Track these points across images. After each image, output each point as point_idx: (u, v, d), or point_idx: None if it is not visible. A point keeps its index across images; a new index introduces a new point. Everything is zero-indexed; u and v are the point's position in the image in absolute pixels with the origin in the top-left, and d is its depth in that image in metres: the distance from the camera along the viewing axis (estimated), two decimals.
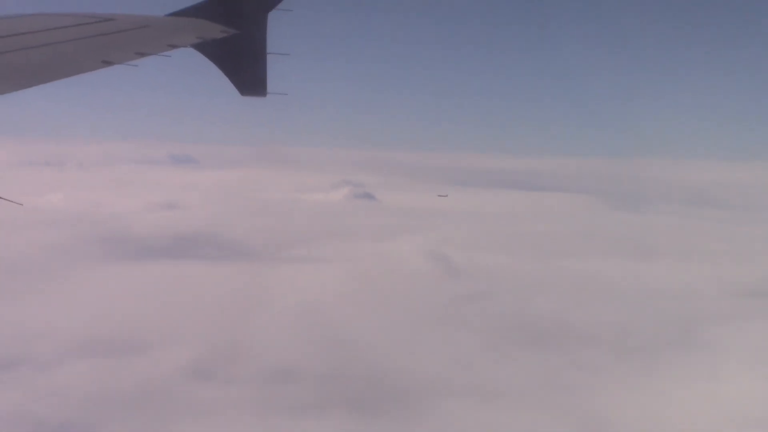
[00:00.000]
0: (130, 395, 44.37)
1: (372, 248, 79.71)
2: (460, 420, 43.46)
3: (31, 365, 47.11)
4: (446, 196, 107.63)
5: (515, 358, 51.99)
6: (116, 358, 48.77)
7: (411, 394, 46.20)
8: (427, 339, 55.47)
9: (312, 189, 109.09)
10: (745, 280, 69.54)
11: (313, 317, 58.07)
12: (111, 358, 48.74)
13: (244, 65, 8.74)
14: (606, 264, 76.12)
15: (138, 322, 55.02)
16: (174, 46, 7.71)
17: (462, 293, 66.40)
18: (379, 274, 70.71)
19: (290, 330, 55.27)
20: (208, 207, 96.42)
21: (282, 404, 44.19)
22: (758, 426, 41.12)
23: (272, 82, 8.83)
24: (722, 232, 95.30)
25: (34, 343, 50.15)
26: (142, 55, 7.04)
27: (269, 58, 8.72)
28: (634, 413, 43.98)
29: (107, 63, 6.65)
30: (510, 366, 50.82)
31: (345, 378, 47.67)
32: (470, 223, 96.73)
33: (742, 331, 55.49)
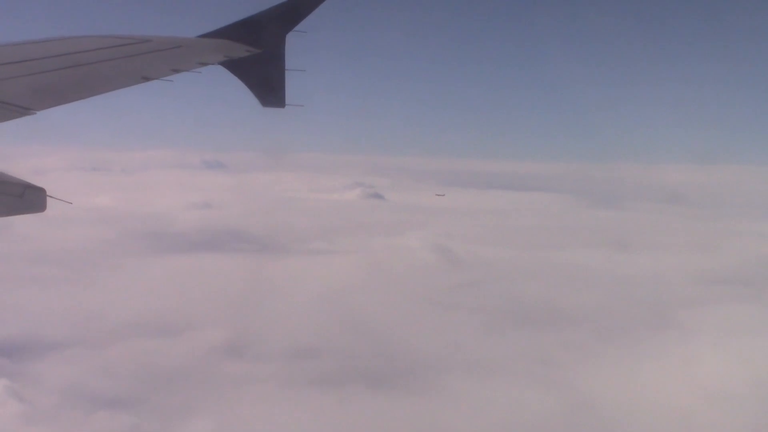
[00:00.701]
0: (175, 369, 44.59)
1: (382, 242, 79.81)
2: (461, 390, 43.47)
3: (88, 344, 47.39)
4: (443, 195, 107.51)
5: (508, 336, 52.06)
6: (162, 337, 48.93)
7: (418, 367, 46.21)
8: (433, 320, 55.54)
9: (328, 190, 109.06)
10: (710, 269, 69.42)
11: (332, 302, 58.14)
12: (157, 337, 48.93)
13: (265, 80, 8.73)
14: (587, 254, 76.11)
15: (180, 306, 55.26)
16: (204, 64, 7.77)
17: (462, 280, 66.54)
18: (389, 264, 70.83)
19: (312, 313, 55.34)
20: (237, 206, 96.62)
21: (304, 378, 44.15)
22: (723, 395, 40.88)
23: (290, 94, 8.84)
24: (690, 227, 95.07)
25: (90, 324, 50.47)
26: (176, 71, 7.09)
27: (287, 74, 8.70)
28: (612, 385, 43.91)
29: (146, 78, 6.71)
30: (503, 342, 50.87)
31: (360, 355, 47.67)
32: (468, 219, 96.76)
33: (708, 313, 55.42)
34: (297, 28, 8.67)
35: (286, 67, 8.73)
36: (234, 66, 8.52)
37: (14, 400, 40.63)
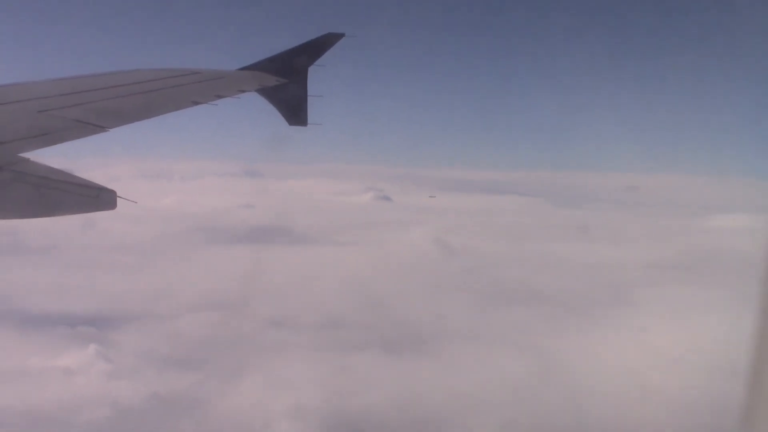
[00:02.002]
0: (229, 337, 44.63)
1: (391, 235, 79.69)
2: (456, 354, 43.36)
3: (159, 316, 47.53)
4: (434, 197, 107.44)
5: (495, 311, 51.85)
6: (217, 311, 49.04)
7: (424, 336, 46.09)
8: (435, 298, 55.37)
9: (345, 193, 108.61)
10: (657, 257, 68.97)
11: (353, 283, 58.08)
12: (213, 311, 49.01)
13: (291, 104, 8.72)
14: (555, 246, 75.73)
15: (230, 287, 55.30)
16: (242, 91, 7.78)
17: (457, 267, 66.44)
18: (398, 253, 70.73)
19: (338, 292, 55.27)
20: (273, 206, 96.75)
21: (332, 344, 44.17)
22: (669, 359, 40.46)
23: (311, 115, 8.83)
24: (640, 224, 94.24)
25: (159, 300, 50.63)
26: (219, 97, 7.10)
27: (309, 99, 8.72)
28: (578, 350, 43.75)
29: (196, 102, 6.72)
30: (491, 317, 50.68)
31: (377, 326, 47.56)
32: (459, 218, 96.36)
33: (655, 293, 55.10)
34: (317, 62, 8.69)
35: (309, 94, 8.75)
36: (266, 93, 8.53)
37: (102, 360, 40.89)
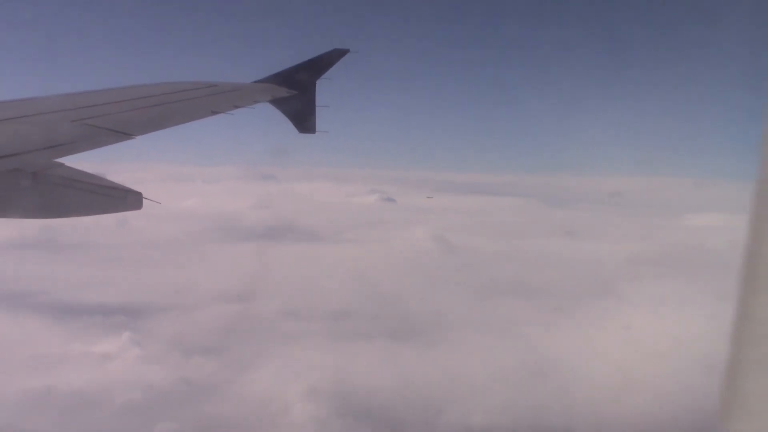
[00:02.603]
0: (248, 326, 44.54)
1: (396, 233, 79.55)
2: (458, 342, 43.26)
3: (185, 307, 47.52)
4: (432, 197, 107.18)
5: (491, 302, 51.72)
6: (237, 303, 48.88)
7: (426, 325, 46.02)
8: (436, 290, 55.25)
9: (352, 195, 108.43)
10: (640, 253, 68.42)
11: (361, 277, 57.93)
12: (234, 303, 48.89)
13: (300, 113, 8.71)
14: (547, 243, 75.36)
15: (249, 280, 55.35)
16: (256, 102, 7.78)
17: (457, 262, 66.23)
18: (402, 249, 70.61)
19: (347, 285, 55.18)
20: (287, 207, 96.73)
21: (342, 333, 44.02)
22: (651, 348, 40.23)
23: (319, 124, 8.82)
24: (625, 223, 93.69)
25: (185, 292, 50.60)
26: (236, 107, 7.11)
27: (317, 109, 8.71)
28: (565, 338, 43.56)
29: (215, 112, 6.72)
30: (487, 307, 50.57)
31: (383, 315, 47.48)
32: (457, 217, 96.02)
33: (639, 286, 54.79)
34: (324, 76, 8.68)
35: (316, 104, 8.74)
36: (278, 103, 8.52)
37: (134, 346, 41.00)
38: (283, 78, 8.57)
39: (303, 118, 8.68)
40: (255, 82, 8.56)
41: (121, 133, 5.48)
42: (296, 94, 8.51)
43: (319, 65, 8.60)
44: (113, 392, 35.64)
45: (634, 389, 34.98)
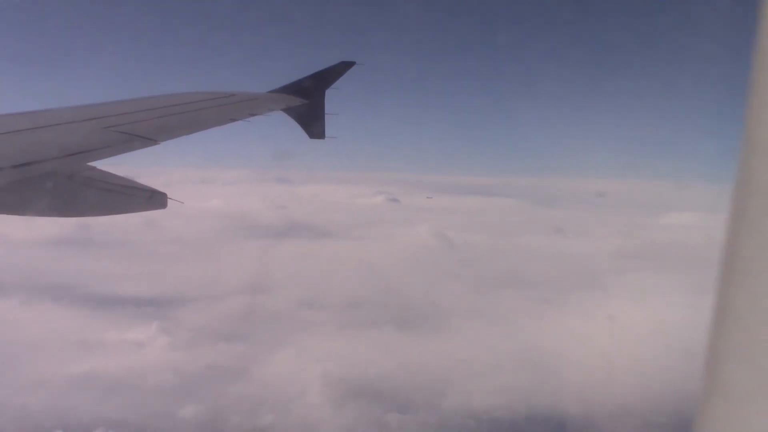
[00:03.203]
0: (267, 316, 44.59)
1: (399, 231, 79.32)
2: (457, 329, 43.18)
3: (209, 298, 47.48)
4: (431, 198, 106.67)
5: (487, 294, 51.63)
6: (256, 295, 48.78)
7: (429, 314, 45.93)
8: (438, 283, 55.09)
9: (359, 196, 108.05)
10: (624, 248, 67.93)
11: (369, 271, 57.78)
12: (254, 295, 48.81)
13: (311, 121, 8.68)
14: (536, 239, 74.93)
15: (267, 273, 55.41)
16: (271, 110, 7.76)
17: (456, 257, 66.05)
18: (407, 245, 70.31)
19: (355, 277, 55.05)
20: (301, 207, 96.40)
21: (352, 322, 44.02)
22: (634, 336, 39.94)
23: (328, 130, 8.79)
24: (609, 221, 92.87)
25: (208, 285, 50.62)
26: (252, 115, 7.09)
27: (326, 117, 8.68)
28: (554, 327, 43.40)
29: (232, 120, 6.71)
30: (484, 299, 50.47)
31: (390, 305, 47.36)
32: (455, 216, 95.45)
33: (623, 279, 54.45)
34: (333, 86, 8.65)
35: (325, 112, 8.70)
36: (291, 111, 8.49)
37: (163, 335, 41.10)
38: (295, 88, 8.54)
39: (313, 125, 8.66)
40: (269, 92, 8.52)
41: (147, 139, 5.48)
42: (307, 103, 8.49)
43: (327, 76, 8.58)
44: (145, 376, 35.76)
45: (619, 373, 34.77)
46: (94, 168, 5.11)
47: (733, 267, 0.65)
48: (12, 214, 4.83)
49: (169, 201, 5.38)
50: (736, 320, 0.64)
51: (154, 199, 5.30)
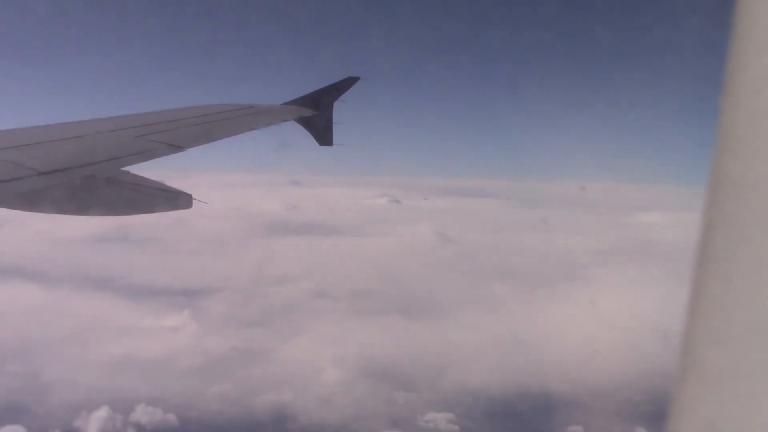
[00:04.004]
0: (285, 305, 44.47)
1: (403, 229, 78.94)
2: (455, 316, 43.10)
3: (232, 288, 47.53)
4: (428, 199, 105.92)
5: (481, 284, 51.49)
6: (274, 286, 48.63)
7: (430, 303, 45.85)
8: (438, 274, 54.95)
9: (364, 198, 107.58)
10: (602, 244, 67.48)
11: (375, 263, 57.71)
12: (272, 286, 48.64)
13: (320, 129, 8.68)
14: (522, 236, 74.50)
15: (284, 267, 55.39)
16: (285, 120, 7.78)
17: (452, 251, 65.76)
18: (409, 242, 70.16)
19: (364, 269, 55.03)
20: (312, 208, 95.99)
21: (361, 310, 43.98)
22: (612, 322, 39.64)
23: (336, 138, 8.78)
24: (587, 220, 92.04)
25: (232, 277, 50.45)
26: (268, 124, 7.11)
27: (334, 126, 8.68)
28: (540, 312, 43.22)
29: (251, 129, 6.73)
30: (478, 289, 50.30)
31: (395, 295, 47.35)
32: (450, 215, 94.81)
33: (602, 271, 54.12)
34: (340, 99, 8.66)
35: (334, 122, 8.70)
36: (302, 121, 8.48)
37: (193, 321, 41.27)
38: (306, 101, 8.54)
39: (322, 133, 8.66)
40: (283, 104, 8.56)
41: (175, 146, 5.52)
42: (317, 114, 8.49)
43: (335, 90, 8.61)
44: (178, 357, 35.91)
45: (599, 354, 34.59)
46: (127, 172, 5.14)
47: (707, 258, 0.65)
48: (58, 213, 4.88)
49: (194, 202, 5.39)
50: (710, 307, 0.63)
51: (181, 200, 5.32)
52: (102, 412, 29.31)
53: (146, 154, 5.19)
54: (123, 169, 5.10)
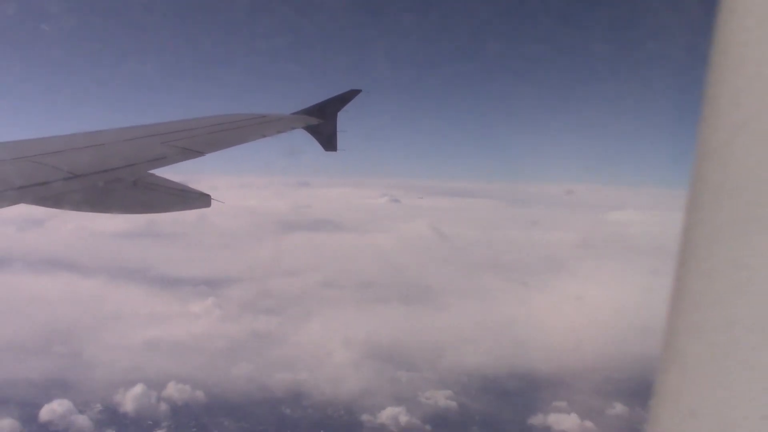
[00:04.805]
0: (294, 295, 44.38)
1: (401, 225, 78.34)
2: (451, 303, 43.03)
3: (250, 279, 47.44)
4: (422, 198, 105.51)
5: (474, 275, 51.35)
6: (285, 277, 48.65)
7: (429, 292, 45.81)
8: (434, 265, 54.79)
9: (367, 197, 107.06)
10: (582, 239, 66.91)
11: (377, 256, 57.53)
12: (284, 277, 48.59)
13: (326, 136, 8.68)
14: (510, 231, 74.06)
15: (295, 259, 55.42)
16: (293, 128, 7.78)
17: (447, 245, 65.62)
18: (407, 236, 69.75)
19: (367, 262, 54.85)
20: (320, 206, 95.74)
21: (365, 298, 44.08)
22: (595, 310, 39.42)
23: (340, 144, 8.80)
24: (571, 217, 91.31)
25: (250, 269, 50.10)
26: (279, 132, 7.12)
27: (338, 134, 8.71)
28: (528, 301, 43.06)
29: (264, 136, 6.74)
30: (471, 279, 50.20)
31: (395, 284, 47.28)
32: (444, 213, 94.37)
33: (583, 264, 53.79)
34: (344, 109, 8.68)
35: (338, 130, 8.71)
36: (310, 129, 8.47)
37: (216, 308, 41.37)
38: (313, 110, 8.56)
39: (328, 140, 8.65)
40: (292, 113, 8.59)
41: (195, 151, 5.55)
42: (323, 122, 8.50)
43: (338, 101, 8.65)
44: (203, 341, 36.09)
45: (580, 336, 34.48)
46: (153, 175, 5.18)
47: (688, 256, 0.63)
48: (92, 211, 4.94)
49: (212, 201, 5.41)
50: (691, 302, 0.62)
51: (201, 199, 5.34)
52: (138, 389, 29.51)
53: (169, 159, 5.23)
54: (149, 172, 5.14)
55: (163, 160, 5.16)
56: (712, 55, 0.69)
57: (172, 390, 29.94)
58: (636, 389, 28.30)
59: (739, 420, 0.58)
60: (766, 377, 0.57)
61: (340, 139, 8.67)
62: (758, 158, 0.61)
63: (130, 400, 29.01)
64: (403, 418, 28.35)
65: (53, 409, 27.72)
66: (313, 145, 8.54)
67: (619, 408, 29.04)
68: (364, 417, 28.63)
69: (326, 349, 35.12)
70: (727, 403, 0.58)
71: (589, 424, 28.06)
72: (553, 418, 28.41)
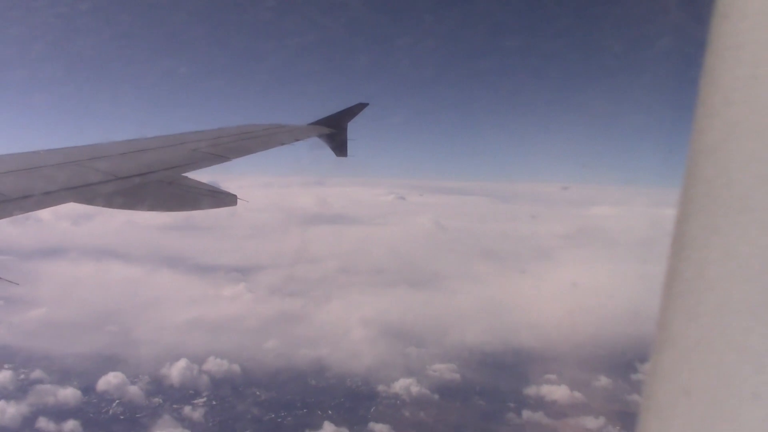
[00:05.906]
0: (314, 280, 44.60)
1: (407, 219, 78.26)
2: (453, 288, 42.90)
3: (276, 267, 47.62)
4: (423, 195, 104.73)
5: (473, 263, 51.09)
6: (310, 263, 49.09)
7: (434, 278, 45.66)
8: (437, 256, 54.70)
9: (376, 195, 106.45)
10: (567, 232, 65.76)
11: (386, 247, 57.35)
12: (302, 265, 49.16)
13: (337, 144, 8.68)
14: (502, 224, 72.97)
15: (312, 249, 55.51)
16: (309, 137, 7.78)
17: (449, 237, 65.22)
18: (413, 229, 69.58)
19: (377, 252, 54.91)
20: (335, 203, 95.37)
21: (377, 283, 44.18)
22: (583, 295, 38.80)
23: (350, 151, 8.80)
24: (556, 212, 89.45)
25: (275, 258, 50.22)
26: (296, 140, 7.11)
27: (348, 142, 8.72)
28: (521, 287, 42.64)
29: (282, 144, 6.74)
30: (471, 267, 49.93)
31: (403, 271, 47.30)
32: (443, 209, 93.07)
33: (568, 253, 53.09)
34: (352, 120, 8.69)
35: (348, 138, 8.71)
36: (323, 137, 8.47)
37: (247, 292, 41.77)
38: (326, 121, 8.61)
39: (339, 147, 8.67)
40: (308, 124, 8.62)
41: (222, 157, 5.58)
42: (335, 132, 8.53)
43: (348, 113, 8.70)
44: (236, 321, 36.57)
45: (570, 316, 34.12)
46: (186, 177, 5.23)
47: (683, 245, 0.62)
48: (134, 209, 5.01)
49: (238, 200, 5.45)
50: (685, 287, 0.61)
51: (229, 198, 5.37)
52: (181, 363, 30.10)
53: (200, 163, 5.27)
54: (183, 174, 5.19)
55: (194, 165, 5.20)
56: (706, 57, 0.67)
57: (211, 364, 30.46)
58: (618, 364, 28.28)
59: (730, 398, 0.57)
60: (755, 358, 0.56)
61: (350, 147, 8.68)
62: (749, 155, 0.61)
63: (174, 372, 29.64)
64: (414, 389, 28.48)
65: (109, 380, 28.45)
66: (326, 151, 8.55)
67: (603, 380, 28.88)
68: (380, 387, 28.84)
69: (345, 328, 35.40)
70: (719, 382, 0.58)
71: (577, 394, 27.97)
72: (545, 389, 28.40)
